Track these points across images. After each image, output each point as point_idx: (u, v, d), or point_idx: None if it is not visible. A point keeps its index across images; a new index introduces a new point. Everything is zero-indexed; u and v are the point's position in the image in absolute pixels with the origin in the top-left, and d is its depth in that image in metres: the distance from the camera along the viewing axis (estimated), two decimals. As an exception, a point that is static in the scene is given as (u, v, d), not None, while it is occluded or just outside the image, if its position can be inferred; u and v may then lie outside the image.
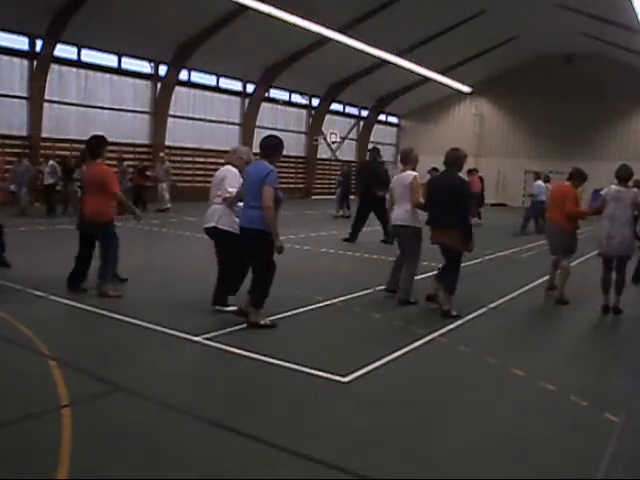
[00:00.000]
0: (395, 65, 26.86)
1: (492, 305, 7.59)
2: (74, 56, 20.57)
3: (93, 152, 7.40)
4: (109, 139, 7.84)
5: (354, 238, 13.33)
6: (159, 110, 23.20)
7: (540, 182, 17.06)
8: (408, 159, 7.86)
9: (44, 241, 11.81)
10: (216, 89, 25.95)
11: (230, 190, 6.52)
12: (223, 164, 7.04)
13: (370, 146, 33.07)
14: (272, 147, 6.17)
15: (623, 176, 7.43)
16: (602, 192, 7.67)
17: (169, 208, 19.35)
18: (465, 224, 6.83)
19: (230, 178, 6.62)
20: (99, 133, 7.72)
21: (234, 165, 6.83)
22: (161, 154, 21.20)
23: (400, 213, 7.58)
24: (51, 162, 16.98)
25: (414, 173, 7.66)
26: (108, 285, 7.25)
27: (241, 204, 6.39)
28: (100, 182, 7.18)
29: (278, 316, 6.53)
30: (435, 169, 19.23)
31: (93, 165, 7.41)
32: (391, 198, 8.05)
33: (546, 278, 9.33)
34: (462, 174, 7.44)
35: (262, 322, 6.12)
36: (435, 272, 7.48)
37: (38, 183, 17.14)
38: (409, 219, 7.49)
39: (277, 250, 5.96)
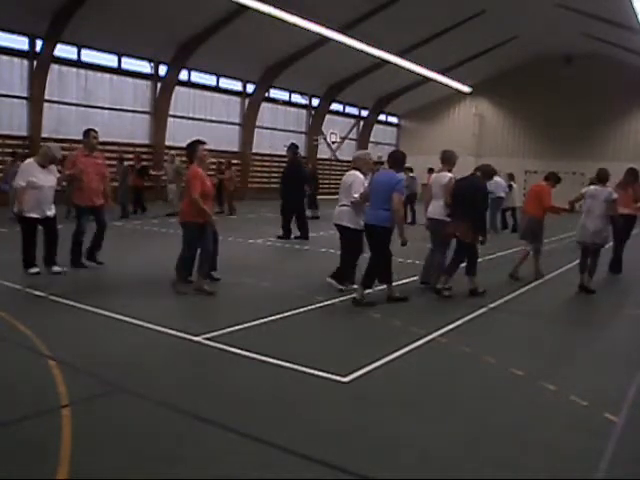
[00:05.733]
0: (395, 65, 26.88)
1: (492, 305, 7.59)
2: (74, 56, 20.60)
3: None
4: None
5: (289, 235, 13.72)
6: (159, 110, 23.21)
7: (497, 178, 17.09)
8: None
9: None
10: (216, 89, 25.98)
11: (355, 195, 7.59)
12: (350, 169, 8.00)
13: (370, 147, 33.24)
14: (396, 159, 7.42)
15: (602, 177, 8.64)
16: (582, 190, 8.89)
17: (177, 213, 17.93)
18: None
19: (357, 183, 7.63)
20: (198, 138, 7.85)
21: (361, 170, 7.82)
22: (171, 152, 19.41)
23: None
24: (126, 164, 17.19)
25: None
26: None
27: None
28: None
29: (278, 316, 6.54)
30: (432, 169, 19.38)
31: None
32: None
33: (548, 277, 9.36)
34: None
35: (396, 295, 7.44)
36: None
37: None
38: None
39: (403, 243, 7.14)
